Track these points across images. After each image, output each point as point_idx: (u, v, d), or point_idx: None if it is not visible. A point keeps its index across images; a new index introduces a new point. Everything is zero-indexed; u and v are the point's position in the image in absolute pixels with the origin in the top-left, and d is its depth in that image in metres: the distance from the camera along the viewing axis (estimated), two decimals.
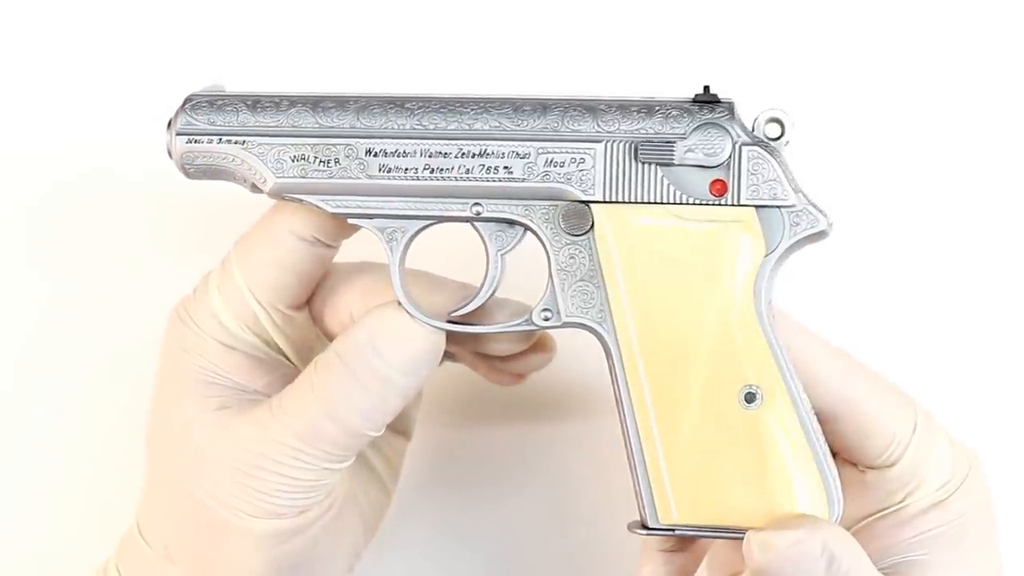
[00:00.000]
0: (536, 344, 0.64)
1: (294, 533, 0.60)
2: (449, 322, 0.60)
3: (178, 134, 0.60)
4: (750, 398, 0.57)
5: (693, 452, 0.57)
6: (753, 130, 0.58)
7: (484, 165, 0.59)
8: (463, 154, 0.59)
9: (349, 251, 0.63)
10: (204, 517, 0.60)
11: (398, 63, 0.75)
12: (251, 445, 0.59)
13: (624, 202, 0.58)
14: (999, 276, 0.74)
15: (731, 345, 0.57)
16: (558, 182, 0.58)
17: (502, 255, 0.60)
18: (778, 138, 0.58)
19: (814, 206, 0.58)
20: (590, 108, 0.59)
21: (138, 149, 0.71)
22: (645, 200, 0.58)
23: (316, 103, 0.60)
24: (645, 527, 0.58)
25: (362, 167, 0.59)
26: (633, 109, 0.58)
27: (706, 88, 0.59)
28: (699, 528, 0.58)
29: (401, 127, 0.59)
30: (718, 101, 0.58)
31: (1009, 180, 0.74)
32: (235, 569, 0.60)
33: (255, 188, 0.61)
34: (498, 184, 0.59)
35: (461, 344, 0.63)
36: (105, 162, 0.74)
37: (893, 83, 0.74)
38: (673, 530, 0.58)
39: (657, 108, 0.58)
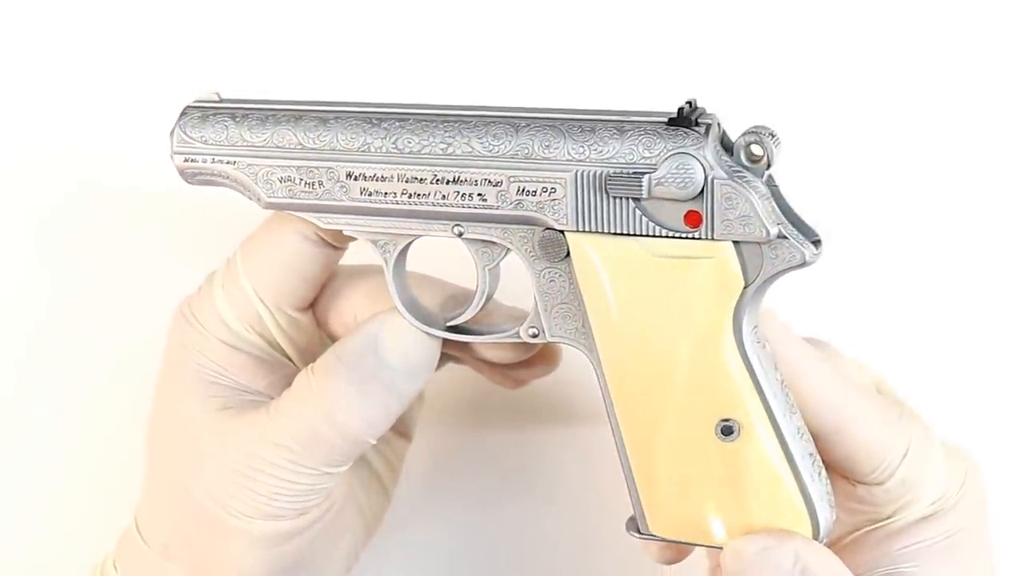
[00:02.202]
0: (540, 355, 0.64)
1: (292, 535, 0.61)
2: (446, 329, 0.61)
3: (175, 153, 0.61)
4: (727, 431, 0.56)
5: (673, 479, 0.58)
6: (734, 153, 0.55)
7: (459, 192, 0.58)
8: (438, 180, 0.58)
9: (356, 253, 0.63)
10: (202, 516, 0.60)
11: (393, 71, 0.73)
12: (250, 448, 0.59)
13: (596, 232, 0.56)
14: (996, 278, 0.71)
15: (707, 378, 0.56)
16: (531, 210, 0.57)
17: (489, 270, 0.60)
18: (758, 161, 0.55)
19: (795, 237, 0.54)
20: (561, 130, 0.56)
21: (142, 149, 0.71)
22: (617, 231, 0.56)
23: (299, 118, 0.60)
24: (638, 531, 0.60)
25: (344, 190, 0.59)
26: (604, 132, 0.55)
27: (683, 108, 0.55)
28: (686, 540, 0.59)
29: (378, 150, 0.58)
30: (693, 124, 0.55)
31: (1004, 182, 0.71)
32: (232, 568, 0.60)
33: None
34: (474, 210, 0.58)
35: (462, 349, 0.64)
36: (109, 162, 0.75)
37: (895, 85, 0.71)
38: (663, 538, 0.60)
39: (629, 130, 0.55)
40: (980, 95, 0.71)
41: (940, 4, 0.70)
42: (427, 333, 0.60)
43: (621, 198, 0.55)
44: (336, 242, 0.62)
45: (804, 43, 0.71)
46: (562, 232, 0.57)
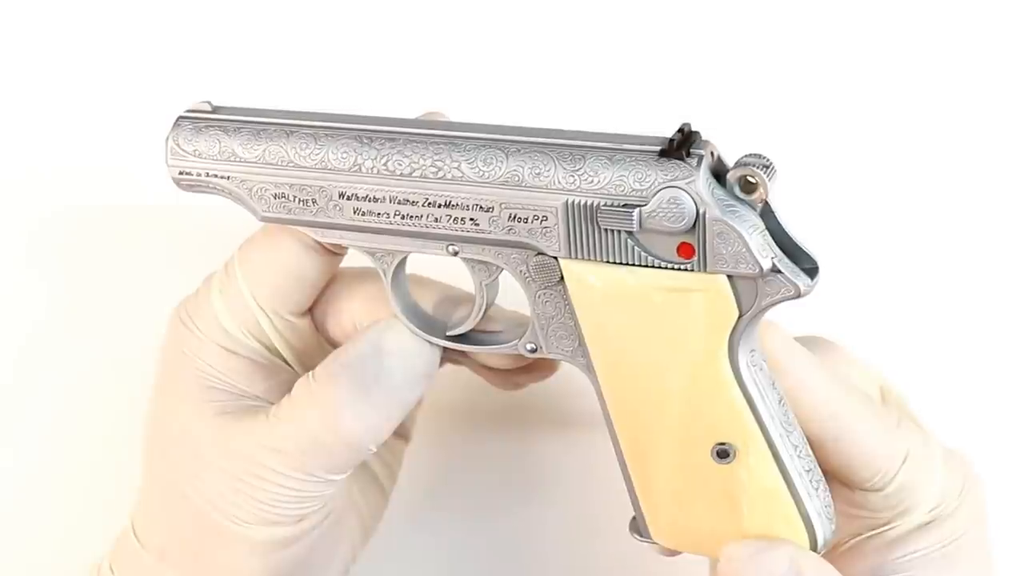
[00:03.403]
0: (538, 360, 0.63)
1: (291, 541, 0.61)
2: (447, 338, 0.61)
3: (169, 165, 0.61)
4: (723, 454, 0.56)
5: (672, 494, 0.58)
6: (726, 186, 0.53)
7: (451, 216, 0.57)
8: (429, 203, 0.57)
9: (355, 256, 0.63)
10: (200, 521, 0.60)
11: (390, 78, 0.72)
12: (249, 453, 0.59)
13: (589, 260, 0.56)
14: (997, 282, 0.71)
15: (702, 404, 0.56)
16: (523, 236, 0.56)
17: (486, 285, 0.59)
18: (752, 193, 0.53)
19: (789, 271, 0.53)
20: (551, 157, 0.55)
21: (141, 152, 0.70)
22: (609, 260, 0.55)
23: (290, 134, 0.59)
24: (640, 534, 0.61)
25: (338, 209, 0.59)
26: (595, 161, 0.54)
27: (674, 138, 0.54)
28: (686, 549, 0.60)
29: (369, 171, 0.58)
30: (686, 155, 0.53)
31: (1005, 187, 0.71)
32: (230, 574, 0.60)
33: None
34: (467, 234, 0.57)
35: (461, 352, 0.63)
36: (108, 163, 0.74)
37: (901, 88, 0.70)
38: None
39: (620, 159, 0.54)
40: (980, 100, 0.70)
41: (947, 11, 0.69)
42: (428, 342, 0.60)
43: (612, 229, 0.54)
44: (335, 249, 0.62)
45: (804, 46, 0.71)
46: (555, 258, 0.56)
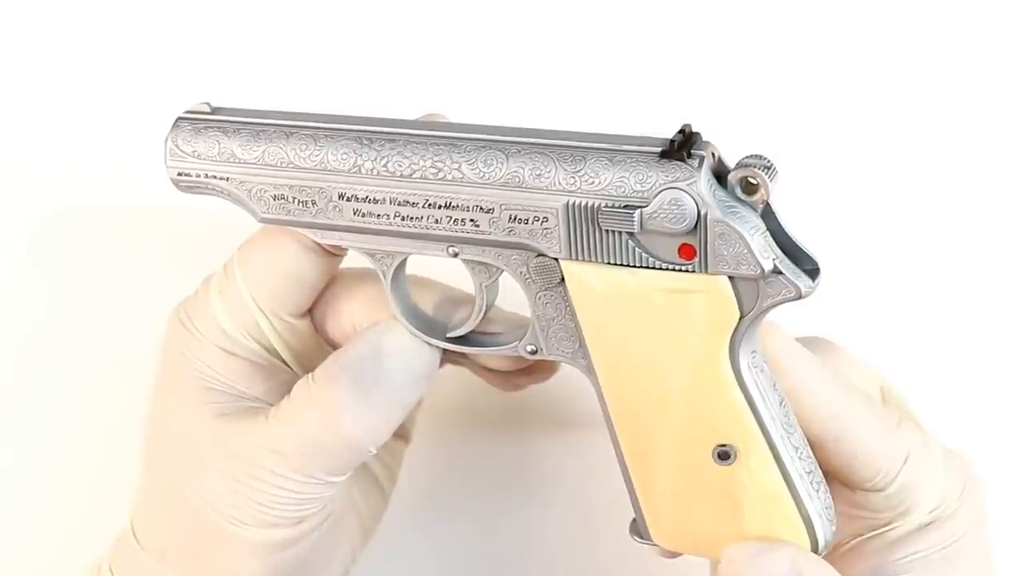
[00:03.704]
0: (537, 364, 0.63)
1: (291, 542, 0.61)
2: (447, 340, 0.61)
3: (168, 166, 0.61)
4: (724, 455, 0.56)
5: (672, 496, 0.58)
6: (728, 187, 0.53)
7: (451, 217, 0.57)
8: (429, 204, 0.57)
9: (355, 256, 0.63)
10: (200, 522, 0.60)
11: (389, 79, 0.72)
12: (249, 455, 0.59)
13: (590, 261, 0.56)
14: (998, 283, 0.71)
15: (703, 405, 0.56)
16: (523, 237, 0.56)
17: (486, 287, 0.59)
18: (753, 194, 0.53)
19: (790, 272, 0.53)
20: (551, 158, 0.55)
21: (142, 150, 0.70)
22: (610, 261, 0.55)
23: (289, 135, 0.59)
24: (640, 536, 0.61)
25: (338, 210, 0.59)
26: (596, 163, 0.54)
27: (675, 139, 0.54)
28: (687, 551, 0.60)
29: (369, 172, 0.58)
30: (687, 156, 0.53)
31: (1006, 187, 0.71)
32: (230, 575, 0.61)
33: None
34: (467, 235, 0.57)
35: (461, 355, 0.63)
36: (108, 163, 0.74)
37: (902, 89, 0.70)
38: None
39: (620, 161, 0.54)
40: (980, 100, 0.70)
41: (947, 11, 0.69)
42: (428, 343, 0.60)
43: (613, 230, 0.54)
44: (334, 250, 0.62)
45: (803, 46, 0.71)
46: (556, 259, 0.56)
